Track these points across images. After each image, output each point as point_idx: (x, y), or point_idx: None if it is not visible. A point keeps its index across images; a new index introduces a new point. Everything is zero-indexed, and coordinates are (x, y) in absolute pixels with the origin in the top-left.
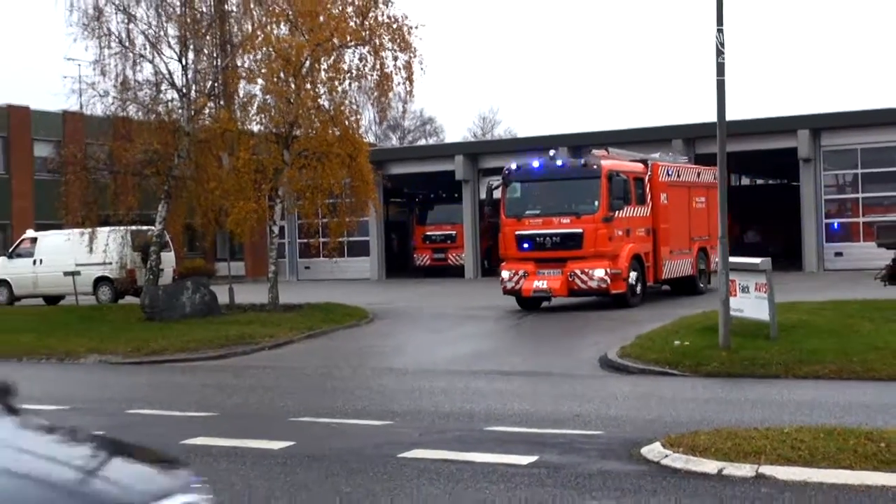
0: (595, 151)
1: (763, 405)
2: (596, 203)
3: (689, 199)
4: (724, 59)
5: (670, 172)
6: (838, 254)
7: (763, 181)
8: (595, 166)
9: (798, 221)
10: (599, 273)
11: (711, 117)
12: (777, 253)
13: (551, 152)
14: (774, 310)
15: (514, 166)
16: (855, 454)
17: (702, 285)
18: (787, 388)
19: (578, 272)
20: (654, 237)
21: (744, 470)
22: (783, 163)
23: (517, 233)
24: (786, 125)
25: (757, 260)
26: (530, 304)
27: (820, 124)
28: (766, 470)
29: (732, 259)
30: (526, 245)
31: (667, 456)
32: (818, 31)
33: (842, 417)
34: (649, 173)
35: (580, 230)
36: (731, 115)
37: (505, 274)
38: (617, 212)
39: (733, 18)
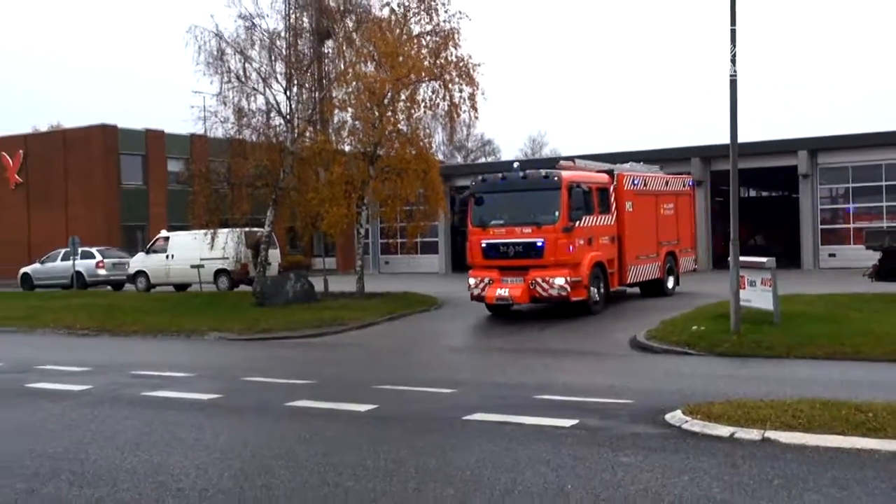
0: (562, 162)
1: (768, 380)
2: (556, 213)
3: (657, 207)
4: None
5: (636, 182)
6: (832, 255)
7: (768, 193)
8: (556, 178)
9: (797, 227)
10: (559, 281)
11: (725, 139)
12: (779, 253)
13: (515, 164)
14: (778, 301)
15: (480, 178)
16: (847, 422)
17: (669, 287)
18: (788, 366)
19: (539, 280)
20: (620, 244)
21: (752, 434)
22: (785, 178)
23: (482, 241)
24: (787, 147)
25: (763, 259)
26: (498, 310)
27: (817, 146)
28: (771, 434)
29: (742, 258)
30: (491, 253)
31: (687, 421)
32: (815, 62)
33: (835, 392)
34: (614, 183)
35: (541, 240)
36: (740, 138)
37: (471, 281)
38: (577, 222)
39: (745, 56)
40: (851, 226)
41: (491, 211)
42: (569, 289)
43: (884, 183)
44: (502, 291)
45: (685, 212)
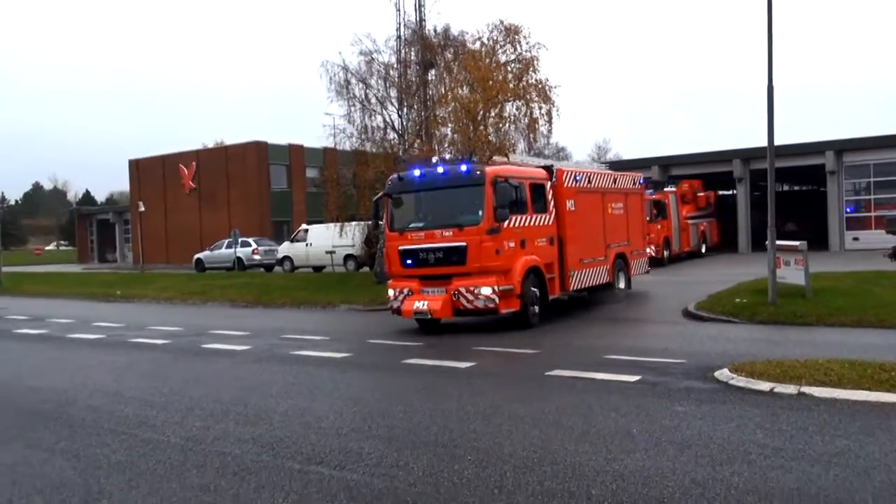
0: (495, 158)
1: (802, 345)
2: (480, 213)
3: (604, 206)
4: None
5: (578, 178)
6: (855, 238)
7: (799, 188)
8: (478, 172)
9: (825, 215)
10: (486, 291)
11: (763, 142)
12: (809, 238)
13: (434, 159)
14: (809, 277)
15: (396, 176)
16: (872, 380)
17: (620, 290)
18: (819, 333)
19: (463, 290)
20: (560, 246)
21: (789, 389)
22: (814, 174)
23: (400, 248)
24: (816, 148)
25: (796, 243)
26: (425, 325)
27: (842, 147)
28: (806, 390)
29: (778, 242)
30: (409, 261)
31: (732, 378)
32: (837, 71)
33: (861, 354)
34: (553, 180)
35: (463, 243)
36: (776, 141)
37: (390, 292)
38: (504, 222)
39: (781, 67)
40: (873, 214)
41: (409, 213)
42: (497, 300)
43: None
44: (420, 304)
45: (636, 212)
